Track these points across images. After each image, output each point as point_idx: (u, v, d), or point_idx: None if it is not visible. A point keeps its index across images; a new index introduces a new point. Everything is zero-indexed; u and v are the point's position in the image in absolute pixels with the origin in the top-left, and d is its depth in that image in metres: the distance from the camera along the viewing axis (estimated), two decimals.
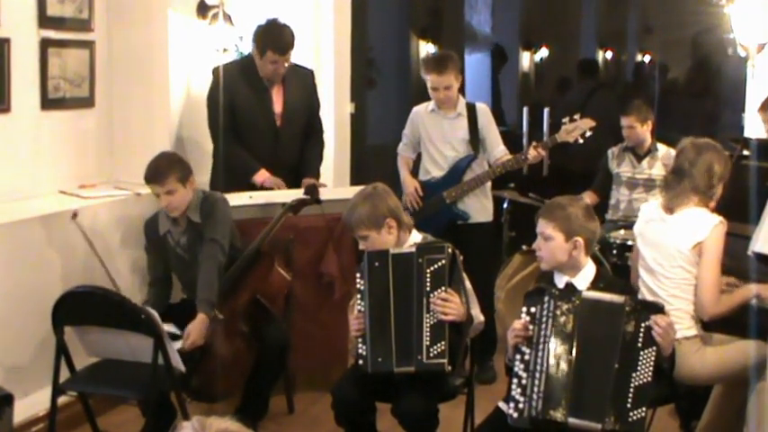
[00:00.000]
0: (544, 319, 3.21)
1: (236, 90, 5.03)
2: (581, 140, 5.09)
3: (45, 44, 4.72)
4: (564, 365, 3.16)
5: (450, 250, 3.59)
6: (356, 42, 7.03)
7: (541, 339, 3.20)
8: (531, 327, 3.23)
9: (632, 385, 3.11)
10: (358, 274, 3.67)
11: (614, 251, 5.44)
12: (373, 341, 3.57)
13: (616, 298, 3.20)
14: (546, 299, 3.23)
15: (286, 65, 5.03)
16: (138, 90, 5.09)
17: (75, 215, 4.38)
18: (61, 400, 4.07)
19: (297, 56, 6.38)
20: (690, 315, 3.76)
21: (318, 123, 5.39)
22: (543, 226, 3.46)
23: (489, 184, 5.21)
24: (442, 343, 3.50)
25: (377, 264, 3.61)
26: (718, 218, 3.75)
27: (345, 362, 4.81)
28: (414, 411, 3.59)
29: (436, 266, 3.56)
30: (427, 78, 5.08)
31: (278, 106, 5.12)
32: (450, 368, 3.53)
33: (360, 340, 3.60)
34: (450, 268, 3.57)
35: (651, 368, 3.12)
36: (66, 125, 4.94)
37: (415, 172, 5.33)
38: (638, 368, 3.12)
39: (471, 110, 5.13)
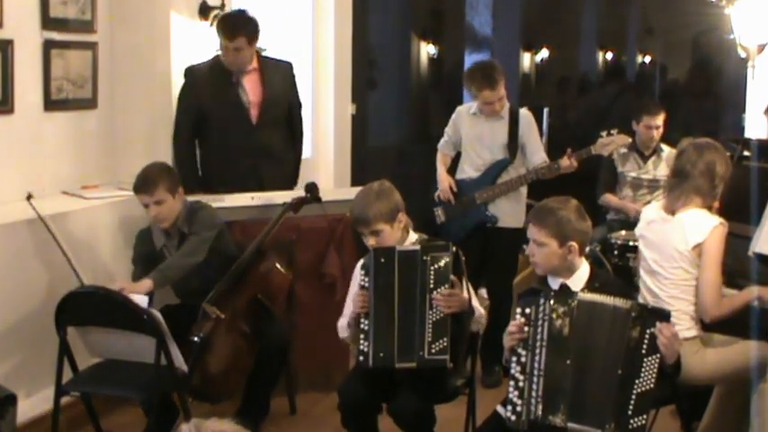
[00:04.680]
0: (540, 322, 3.18)
1: (204, 89, 5.04)
2: (615, 155, 5.14)
3: (48, 45, 4.73)
4: (562, 369, 3.13)
5: (453, 249, 3.62)
6: (357, 43, 7.04)
7: (537, 342, 3.18)
8: (526, 328, 3.21)
9: (634, 392, 3.08)
10: (363, 271, 3.68)
11: (615, 252, 5.45)
12: (376, 336, 3.59)
13: (620, 302, 3.16)
14: (541, 301, 3.20)
15: (244, 52, 4.95)
16: (141, 91, 5.10)
17: (29, 197, 4.38)
18: (64, 400, 4.08)
19: (297, 56, 6.40)
20: (690, 316, 3.76)
21: (300, 122, 5.36)
22: (535, 233, 3.42)
23: (525, 191, 5.20)
24: (444, 339, 3.53)
25: (383, 260, 3.63)
26: (718, 219, 3.75)
27: (347, 362, 4.82)
28: (407, 410, 3.61)
29: (440, 264, 3.58)
30: (478, 95, 5.01)
31: (254, 95, 5.08)
32: (451, 364, 3.55)
33: (362, 336, 3.62)
34: (453, 266, 3.59)
35: (654, 375, 3.09)
36: (69, 126, 4.95)
37: (452, 170, 5.35)
38: (642, 375, 3.09)
39: (514, 115, 5.12)
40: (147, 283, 4.08)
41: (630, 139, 5.18)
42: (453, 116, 5.31)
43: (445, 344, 3.52)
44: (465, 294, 3.61)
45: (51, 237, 4.33)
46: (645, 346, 3.10)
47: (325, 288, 4.92)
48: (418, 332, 3.55)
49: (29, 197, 4.36)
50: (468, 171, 5.20)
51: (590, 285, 3.39)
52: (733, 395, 3.87)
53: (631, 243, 5.25)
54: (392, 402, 3.66)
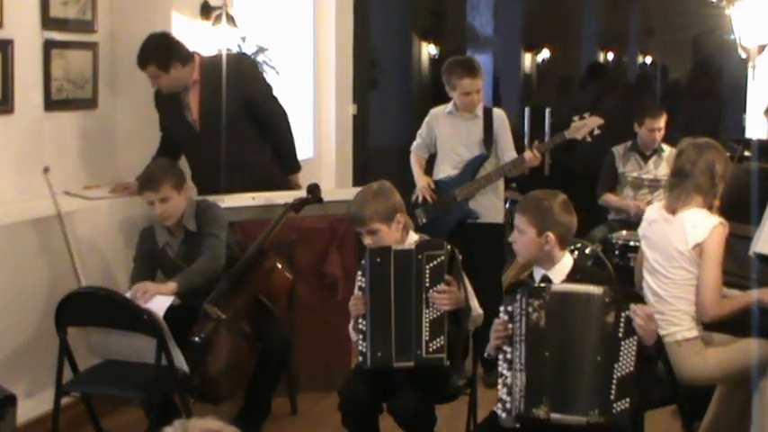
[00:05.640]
0: (517, 318, 3.21)
1: (164, 110, 5.02)
2: (589, 138, 5.14)
3: (48, 45, 4.72)
4: (541, 362, 3.16)
5: (448, 247, 3.63)
6: (358, 43, 7.04)
7: (517, 338, 3.20)
8: (510, 325, 3.24)
9: (615, 376, 3.09)
10: (360, 272, 3.69)
11: (617, 251, 5.45)
12: (373, 337, 3.59)
13: (592, 289, 3.17)
14: (518, 296, 3.23)
15: (163, 78, 4.79)
16: (141, 91, 5.09)
17: (46, 169, 4.41)
18: (64, 401, 4.08)
19: (298, 57, 6.39)
20: (691, 316, 3.76)
21: (266, 111, 5.06)
22: (518, 219, 3.47)
23: (502, 187, 5.26)
24: (441, 338, 3.53)
25: (379, 260, 3.63)
26: (718, 219, 3.75)
27: (348, 362, 4.82)
28: (406, 409, 3.61)
29: (435, 263, 3.59)
30: (458, 84, 5.07)
31: (194, 111, 4.96)
32: (448, 362, 3.55)
33: (360, 337, 3.62)
34: (448, 264, 3.60)
35: (633, 358, 3.10)
36: (70, 126, 4.94)
37: (427, 171, 5.36)
38: (620, 359, 3.10)
39: (488, 113, 5.19)
40: (171, 286, 4.11)
41: (603, 120, 5.17)
42: (427, 119, 5.36)
43: (442, 342, 3.52)
44: (461, 292, 3.62)
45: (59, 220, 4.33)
46: (621, 330, 3.11)
47: (326, 288, 4.92)
48: (415, 331, 3.55)
49: (46, 170, 4.39)
50: (445, 170, 5.25)
51: (571, 277, 3.41)
52: (734, 394, 3.87)
53: (632, 243, 5.25)
54: (392, 401, 3.66)
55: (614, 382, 3.08)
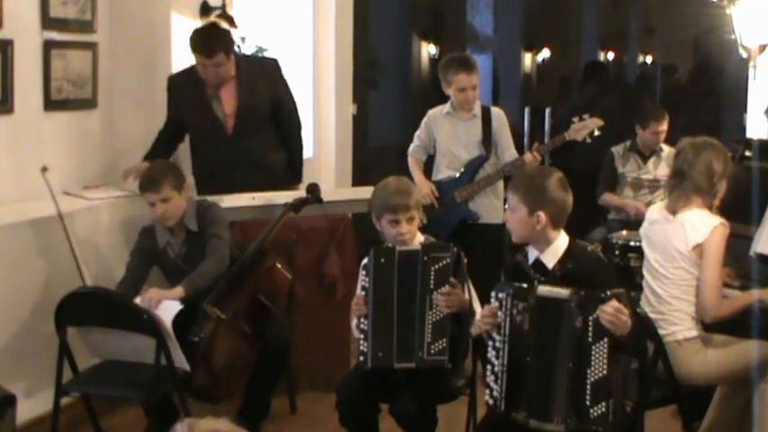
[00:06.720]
0: (503, 317, 3.20)
1: (182, 102, 4.96)
2: (589, 140, 5.13)
3: (48, 46, 4.73)
4: (523, 366, 3.16)
5: (454, 250, 3.63)
6: (358, 43, 7.03)
7: (504, 336, 3.20)
8: (500, 313, 3.21)
9: (588, 381, 3.08)
10: (363, 272, 3.68)
11: (617, 251, 5.45)
12: (375, 336, 3.59)
13: (563, 294, 3.13)
14: (504, 294, 3.20)
15: (222, 68, 4.79)
16: (141, 91, 5.09)
17: (45, 169, 4.40)
18: (64, 401, 4.08)
19: (298, 56, 6.39)
20: (691, 316, 3.76)
21: (289, 120, 5.16)
22: (510, 197, 3.41)
23: (501, 187, 5.24)
24: (444, 340, 3.53)
25: (383, 260, 3.63)
26: (718, 220, 3.74)
27: (348, 362, 4.82)
28: (409, 411, 3.61)
29: (440, 264, 3.58)
30: (453, 80, 5.07)
31: (228, 106, 4.93)
32: (450, 365, 3.55)
33: (362, 336, 3.62)
34: (453, 267, 3.59)
35: (605, 361, 3.07)
36: (69, 126, 4.94)
37: (426, 172, 5.36)
38: (592, 363, 3.08)
39: (486, 112, 5.18)
40: (178, 291, 4.10)
41: (603, 122, 5.17)
42: (425, 120, 5.34)
43: (444, 344, 3.52)
44: (465, 295, 3.61)
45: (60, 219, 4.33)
46: (590, 334, 3.09)
47: (325, 288, 4.92)
48: (418, 332, 3.55)
49: (44, 169, 4.38)
50: (445, 171, 5.25)
51: (563, 264, 3.33)
52: (735, 395, 3.87)
53: (632, 243, 5.25)
54: (394, 404, 3.66)
55: (588, 387, 3.08)
